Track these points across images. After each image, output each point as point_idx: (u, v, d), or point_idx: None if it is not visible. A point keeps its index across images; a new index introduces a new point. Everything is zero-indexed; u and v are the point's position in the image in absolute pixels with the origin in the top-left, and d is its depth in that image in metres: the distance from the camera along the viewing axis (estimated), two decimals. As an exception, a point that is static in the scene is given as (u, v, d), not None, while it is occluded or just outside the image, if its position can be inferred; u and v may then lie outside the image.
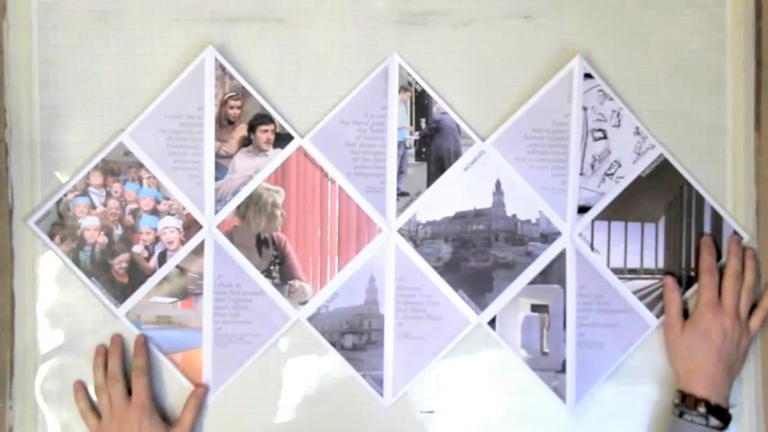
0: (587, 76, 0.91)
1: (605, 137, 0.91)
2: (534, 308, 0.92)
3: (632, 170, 0.92)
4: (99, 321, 0.91)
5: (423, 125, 0.92)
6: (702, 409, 0.86)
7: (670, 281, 0.91)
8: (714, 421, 0.86)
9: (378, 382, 0.91)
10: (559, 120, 0.91)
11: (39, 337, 0.91)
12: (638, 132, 0.92)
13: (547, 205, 0.91)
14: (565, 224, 0.91)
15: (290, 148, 0.91)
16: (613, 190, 0.92)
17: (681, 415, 0.87)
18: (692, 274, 0.93)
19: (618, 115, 0.91)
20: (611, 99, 0.91)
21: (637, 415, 0.93)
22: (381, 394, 0.91)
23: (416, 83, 0.91)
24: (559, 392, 0.91)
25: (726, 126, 0.93)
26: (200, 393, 0.90)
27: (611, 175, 0.92)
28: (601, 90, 0.91)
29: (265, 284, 0.91)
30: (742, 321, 0.89)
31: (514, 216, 0.92)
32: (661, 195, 0.92)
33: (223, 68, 0.90)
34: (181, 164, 0.91)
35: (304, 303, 0.92)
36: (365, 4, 0.92)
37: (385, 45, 0.92)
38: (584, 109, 0.91)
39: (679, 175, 0.92)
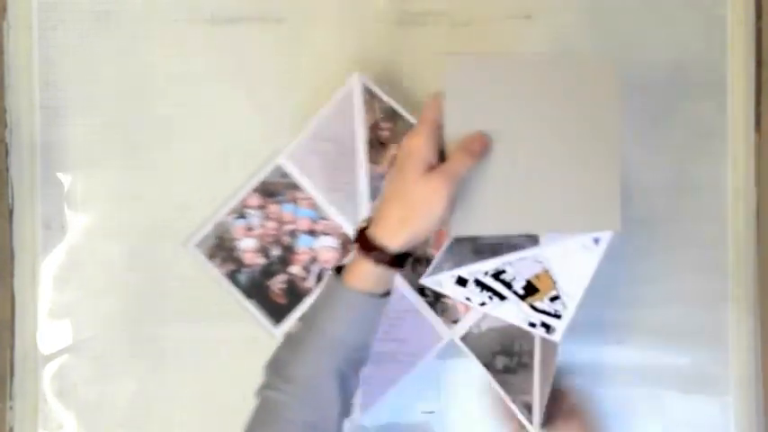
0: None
1: None
2: None
3: None
4: (99, 322, 0.92)
5: None
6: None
7: None
8: None
9: (527, 408, 0.86)
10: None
11: (39, 337, 0.92)
12: None
13: None
14: None
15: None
16: None
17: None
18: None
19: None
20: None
21: (642, 416, 0.94)
22: (530, 422, 0.85)
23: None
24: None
25: (726, 126, 0.94)
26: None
27: None
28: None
29: (419, 302, 0.90)
30: None
31: None
32: None
33: (371, 93, 0.89)
34: (336, 185, 0.90)
35: (455, 322, 0.90)
36: (365, 3, 0.92)
37: (385, 45, 0.92)
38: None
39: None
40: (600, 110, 0.73)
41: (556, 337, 0.81)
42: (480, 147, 0.72)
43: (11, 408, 0.91)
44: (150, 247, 0.92)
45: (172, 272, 0.92)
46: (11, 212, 0.91)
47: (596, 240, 0.78)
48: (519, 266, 0.81)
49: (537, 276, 0.81)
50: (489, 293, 0.82)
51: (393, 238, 0.70)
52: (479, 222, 0.73)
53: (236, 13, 0.92)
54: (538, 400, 0.85)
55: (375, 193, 0.89)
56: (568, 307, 0.80)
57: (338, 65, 0.92)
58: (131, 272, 0.92)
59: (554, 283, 0.80)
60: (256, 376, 0.94)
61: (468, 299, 0.83)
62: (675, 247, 0.93)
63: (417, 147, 0.71)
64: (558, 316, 0.81)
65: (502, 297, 0.82)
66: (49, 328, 0.92)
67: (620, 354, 0.93)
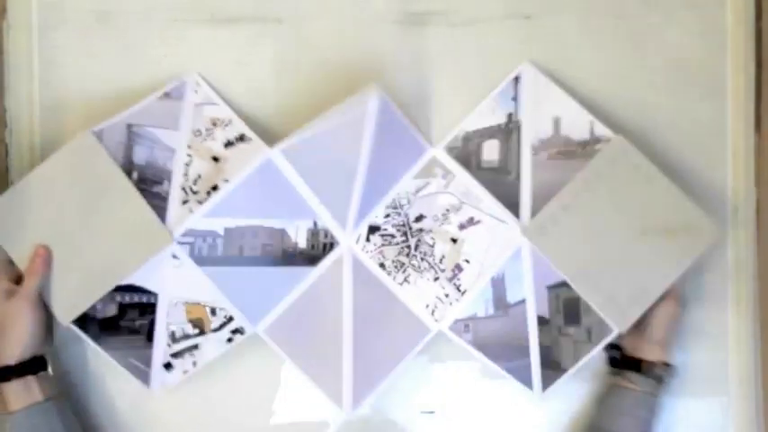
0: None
1: None
2: None
3: None
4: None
5: None
6: (658, 371, 0.86)
7: None
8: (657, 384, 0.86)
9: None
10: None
11: (39, 337, 0.92)
12: None
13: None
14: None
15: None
16: None
17: (621, 376, 0.87)
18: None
19: None
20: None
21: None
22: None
23: None
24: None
25: (726, 126, 0.93)
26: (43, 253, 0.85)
27: None
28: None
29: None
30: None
31: None
32: None
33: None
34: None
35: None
36: (365, 4, 0.92)
37: (385, 45, 0.92)
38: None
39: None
40: None
41: None
42: (40, 261, 0.84)
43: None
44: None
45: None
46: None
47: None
48: None
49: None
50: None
51: (2, 356, 0.81)
52: (76, 301, 0.86)
53: (236, 13, 0.92)
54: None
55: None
56: None
57: (338, 65, 0.92)
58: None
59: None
60: (255, 375, 0.94)
61: None
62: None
63: None
64: None
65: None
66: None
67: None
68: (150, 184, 0.89)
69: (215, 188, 0.89)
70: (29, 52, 0.91)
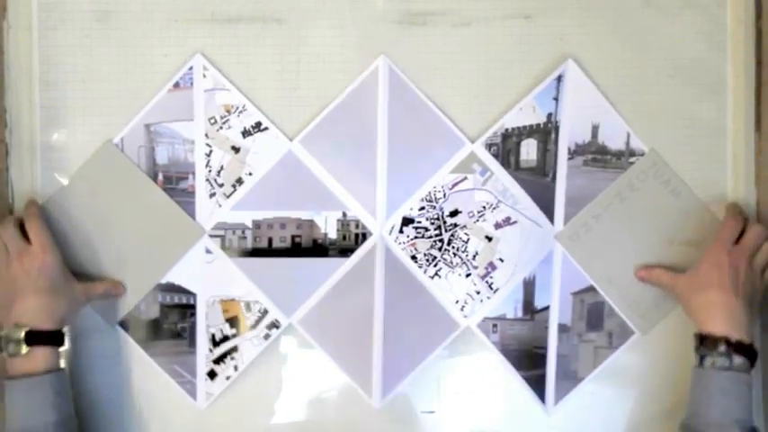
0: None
1: None
2: None
3: None
4: (98, 322, 0.92)
5: None
6: (723, 348, 0.79)
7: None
8: (738, 359, 0.79)
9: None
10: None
11: (39, 337, 0.92)
12: None
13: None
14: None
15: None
16: None
17: (702, 360, 0.81)
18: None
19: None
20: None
21: (631, 415, 0.94)
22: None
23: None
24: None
25: (726, 126, 0.94)
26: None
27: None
28: None
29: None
30: (755, 268, 0.85)
31: None
32: None
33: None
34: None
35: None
36: (365, 4, 0.92)
37: (385, 45, 0.92)
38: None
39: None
40: None
41: None
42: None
43: (11, 408, 0.91)
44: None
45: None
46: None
47: None
48: None
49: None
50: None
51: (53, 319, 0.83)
52: (121, 301, 0.92)
53: (236, 13, 0.92)
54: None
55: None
56: None
57: (338, 65, 0.92)
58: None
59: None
60: (256, 374, 0.94)
61: None
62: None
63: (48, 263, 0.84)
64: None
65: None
66: (48, 328, 0.92)
67: (620, 353, 0.93)
68: (176, 182, 0.91)
69: (240, 181, 0.91)
70: (29, 52, 0.91)
